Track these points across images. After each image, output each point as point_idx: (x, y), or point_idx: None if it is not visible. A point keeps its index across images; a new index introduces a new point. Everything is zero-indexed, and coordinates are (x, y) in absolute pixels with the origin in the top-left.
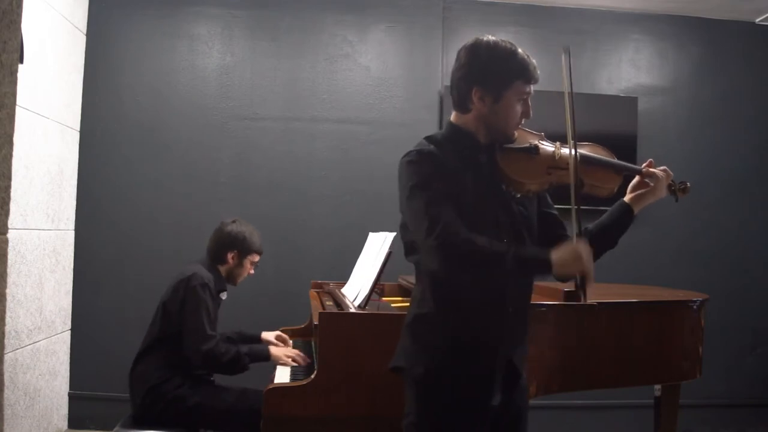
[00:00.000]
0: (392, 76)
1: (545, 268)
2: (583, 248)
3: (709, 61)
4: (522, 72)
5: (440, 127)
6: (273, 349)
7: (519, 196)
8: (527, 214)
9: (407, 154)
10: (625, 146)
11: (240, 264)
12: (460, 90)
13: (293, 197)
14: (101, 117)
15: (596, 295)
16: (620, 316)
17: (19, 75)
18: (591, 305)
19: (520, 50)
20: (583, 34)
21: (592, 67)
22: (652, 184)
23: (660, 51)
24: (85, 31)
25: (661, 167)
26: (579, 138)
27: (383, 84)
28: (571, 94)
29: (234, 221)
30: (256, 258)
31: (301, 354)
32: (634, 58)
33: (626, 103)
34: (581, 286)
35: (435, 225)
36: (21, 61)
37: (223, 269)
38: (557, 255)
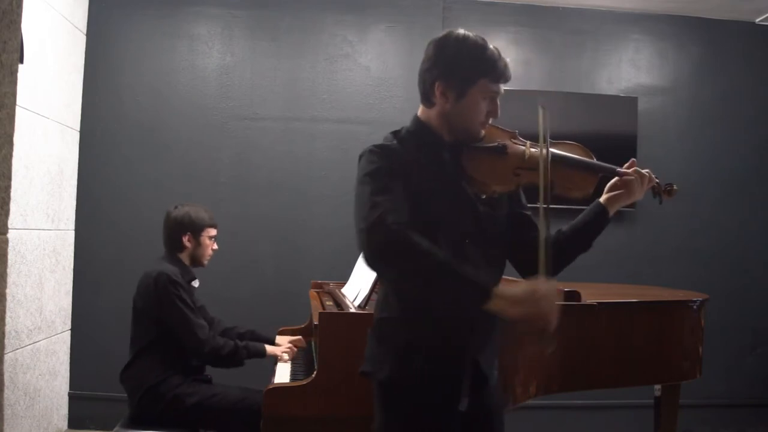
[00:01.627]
0: (392, 76)
1: (482, 296)
2: (547, 289)
3: (709, 61)
4: (489, 70)
5: None
6: (269, 346)
7: (484, 197)
8: (494, 215)
9: (366, 149)
10: (625, 146)
11: (198, 244)
12: (425, 83)
13: (293, 197)
14: (101, 117)
15: (596, 295)
16: (620, 316)
17: (19, 75)
18: (591, 305)
19: (491, 47)
20: (583, 34)
21: (592, 67)
22: (623, 189)
23: (660, 51)
24: (85, 31)
25: (644, 170)
26: (572, 137)
27: (383, 84)
28: (547, 150)
29: (176, 206)
30: (213, 232)
31: (296, 343)
32: (634, 58)
33: (626, 103)
34: (540, 338)
35: (373, 211)
36: (21, 61)
37: (184, 256)
38: (509, 290)
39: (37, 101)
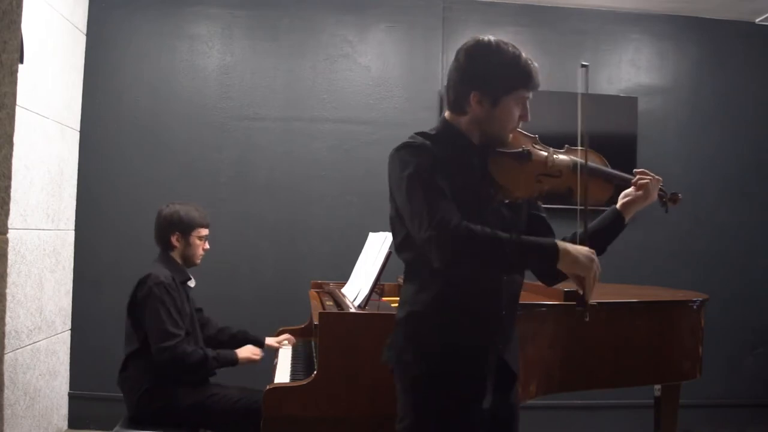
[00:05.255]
0: (392, 76)
1: (551, 255)
2: (594, 255)
3: (708, 61)
4: (525, 80)
5: None
6: (240, 352)
7: (507, 201)
8: (516, 219)
9: (400, 145)
10: (625, 146)
11: (188, 243)
12: (457, 92)
13: (293, 197)
14: (101, 117)
15: (596, 295)
16: (620, 316)
17: (19, 75)
18: (591, 305)
19: (523, 55)
20: (583, 34)
21: (592, 67)
22: (641, 192)
23: (660, 51)
24: (85, 31)
25: (648, 173)
26: (572, 137)
27: (383, 84)
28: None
29: (168, 205)
30: (203, 232)
31: (258, 350)
32: (634, 58)
33: (626, 103)
34: (581, 297)
35: (432, 215)
36: (21, 61)
37: (176, 255)
38: (572, 248)
39: (37, 101)
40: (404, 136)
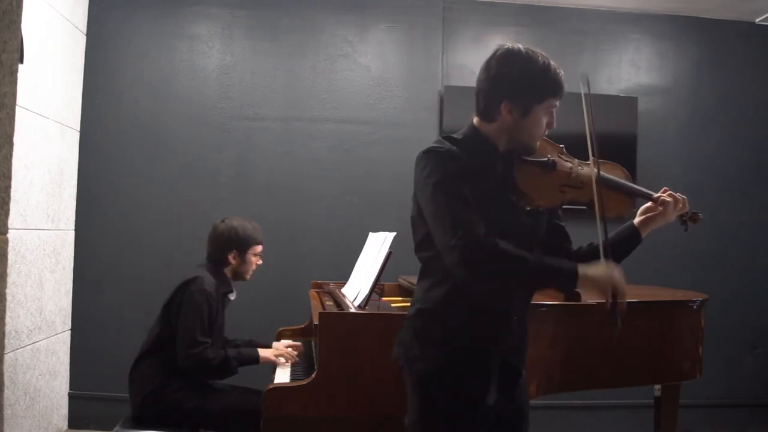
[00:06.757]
0: (392, 76)
1: (570, 280)
2: (616, 270)
3: (708, 61)
4: (555, 89)
5: (440, 127)
6: (262, 351)
7: (529, 209)
8: (536, 228)
9: (427, 149)
10: (625, 146)
11: (243, 261)
12: (488, 101)
13: (293, 197)
14: (101, 117)
15: (596, 295)
16: None
17: (19, 75)
18: (591, 305)
19: (553, 64)
20: (583, 34)
21: (592, 67)
22: (661, 208)
23: (660, 51)
24: (85, 31)
25: (672, 193)
26: (572, 137)
27: (383, 84)
28: (591, 123)
29: (224, 220)
30: (258, 249)
31: (291, 349)
32: (634, 58)
33: (626, 103)
34: (613, 308)
35: (458, 225)
36: (21, 61)
37: (228, 270)
38: (590, 271)
39: (37, 101)
40: (404, 136)
